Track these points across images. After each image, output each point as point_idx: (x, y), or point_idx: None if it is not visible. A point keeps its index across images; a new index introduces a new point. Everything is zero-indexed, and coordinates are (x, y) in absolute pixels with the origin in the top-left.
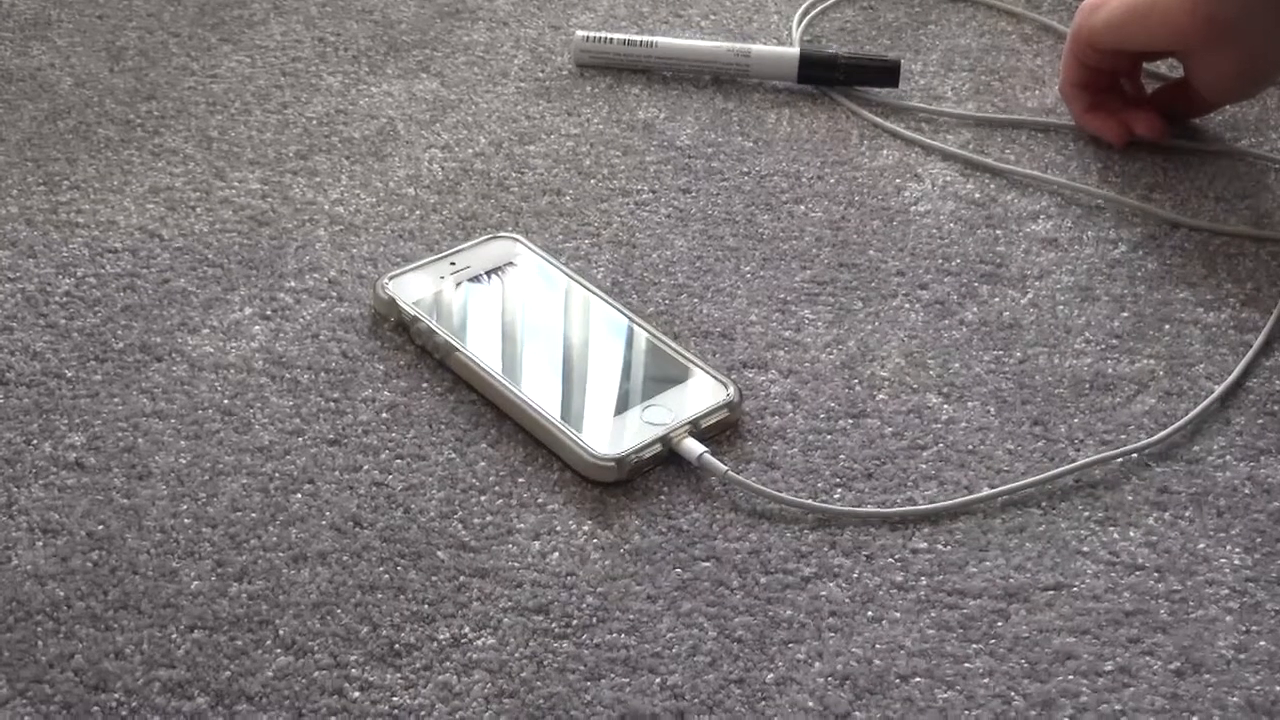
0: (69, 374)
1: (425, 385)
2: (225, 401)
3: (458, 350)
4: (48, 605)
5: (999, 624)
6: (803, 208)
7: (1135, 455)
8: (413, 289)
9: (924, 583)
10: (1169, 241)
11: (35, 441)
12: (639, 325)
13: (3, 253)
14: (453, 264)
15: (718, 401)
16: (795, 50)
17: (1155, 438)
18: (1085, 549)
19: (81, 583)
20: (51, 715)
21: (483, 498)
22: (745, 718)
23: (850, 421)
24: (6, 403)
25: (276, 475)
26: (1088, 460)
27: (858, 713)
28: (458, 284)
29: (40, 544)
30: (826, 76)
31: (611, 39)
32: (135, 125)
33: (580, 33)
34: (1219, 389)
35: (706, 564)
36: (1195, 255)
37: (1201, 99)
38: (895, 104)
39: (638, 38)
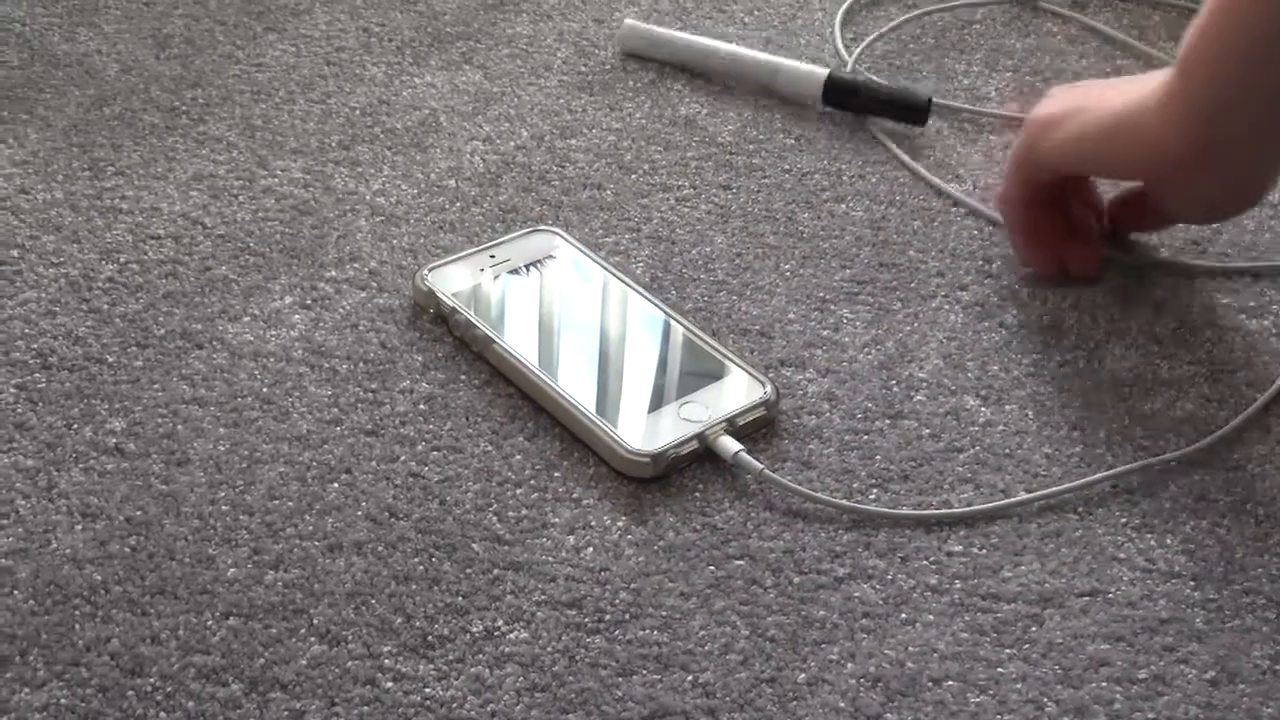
0: (110, 359)
1: (463, 377)
2: (264, 390)
3: (496, 343)
4: (85, 589)
5: (1033, 629)
6: (843, 206)
7: (1173, 462)
8: (452, 281)
9: (958, 586)
10: (1212, 247)
11: (76, 426)
12: (677, 321)
13: (47, 238)
14: (492, 256)
15: (754, 400)
16: (822, 72)
17: (1195, 445)
18: (1121, 555)
19: (119, 567)
20: (88, 698)
21: (518, 491)
22: (777, 717)
23: (887, 422)
24: (48, 387)
25: (314, 464)
26: (1127, 467)
27: (889, 715)
28: (497, 276)
29: (79, 528)
30: (851, 103)
31: (655, 32)
32: (180, 112)
33: (629, 21)
34: (1262, 398)
35: (740, 562)
36: (1238, 261)
37: (1167, 217)
38: (938, 104)
39: (681, 36)
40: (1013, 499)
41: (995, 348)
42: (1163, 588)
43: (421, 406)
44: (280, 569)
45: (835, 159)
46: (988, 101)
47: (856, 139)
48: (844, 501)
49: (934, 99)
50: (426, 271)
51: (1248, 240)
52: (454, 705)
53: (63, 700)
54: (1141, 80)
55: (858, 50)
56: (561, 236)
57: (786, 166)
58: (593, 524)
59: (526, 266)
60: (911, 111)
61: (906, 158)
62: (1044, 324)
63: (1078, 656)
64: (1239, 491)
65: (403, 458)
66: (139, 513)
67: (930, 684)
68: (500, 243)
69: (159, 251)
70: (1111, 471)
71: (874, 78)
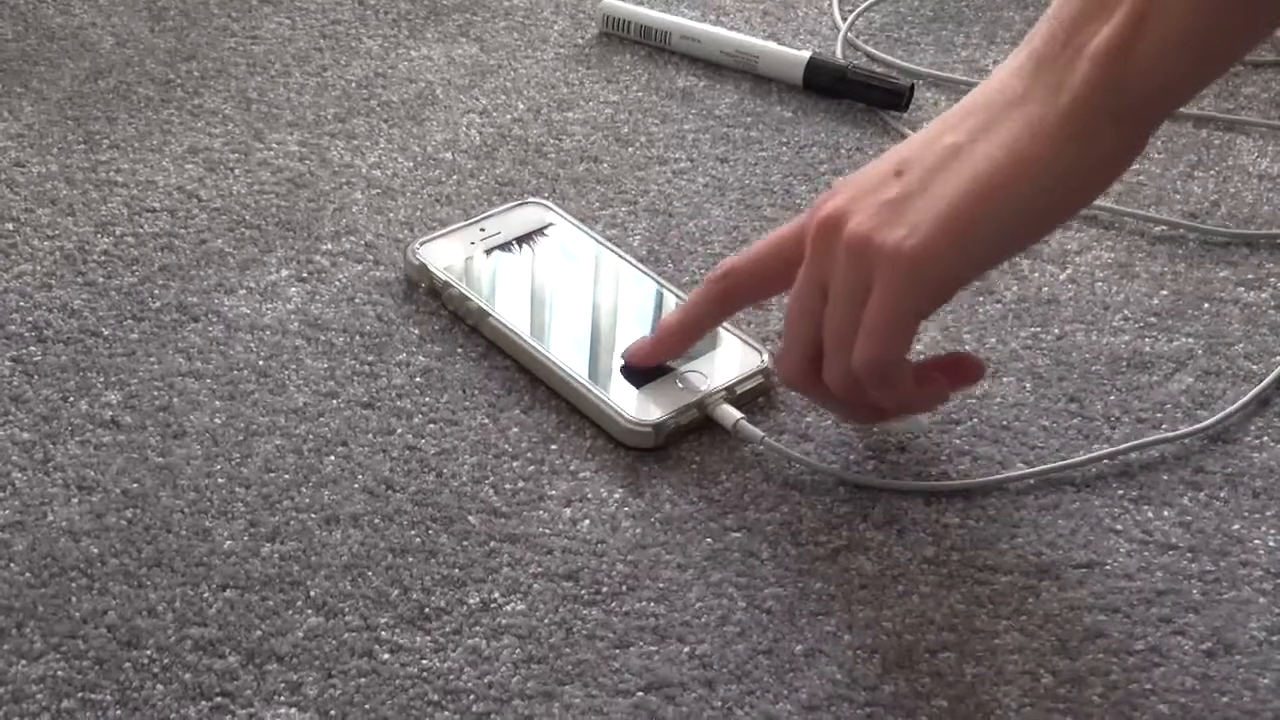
0: (106, 332)
1: (459, 350)
2: (260, 362)
3: (490, 316)
4: (82, 561)
5: (1030, 600)
6: (841, 178)
7: (1179, 439)
8: (443, 255)
9: (955, 558)
10: (1210, 220)
11: (72, 399)
12: (669, 290)
13: (42, 210)
14: (482, 229)
15: (752, 368)
16: (804, 55)
17: (1204, 424)
18: (1118, 527)
19: (115, 540)
20: (84, 670)
21: (515, 463)
22: (773, 688)
23: None
24: (44, 359)
25: (310, 437)
26: (1129, 444)
27: (886, 686)
28: (488, 250)
29: (75, 500)
30: (832, 87)
31: (630, 23)
32: (175, 85)
33: (608, 0)
34: (1272, 375)
35: (737, 534)
36: (1237, 234)
37: None
38: (937, 76)
39: (654, 25)
40: (1010, 473)
41: (992, 320)
42: (1159, 560)
43: (418, 379)
44: (277, 541)
45: (833, 131)
46: (986, 74)
47: (854, 111)
48: (843, 471)
49: (932, 71)
50: (417, 245)
51: (1246, 212)
52: (451, 677)
53: (60, 672)
54: (996, 113)
55: (851, 18)
56: (551, 208)
57: (784, 139)
58: (590, 496)
59: (518, 239)
60: (892, 98)
61: (905, 130)
62: (1041, 297)
63: (1074, 628)
64: (1236, 464)
65: (399, 430)
66: (135, 485)
67: (927, 655)
68: (490, 215)
69: (154, 225)
70: (1111, 449)
71: (856, 64)
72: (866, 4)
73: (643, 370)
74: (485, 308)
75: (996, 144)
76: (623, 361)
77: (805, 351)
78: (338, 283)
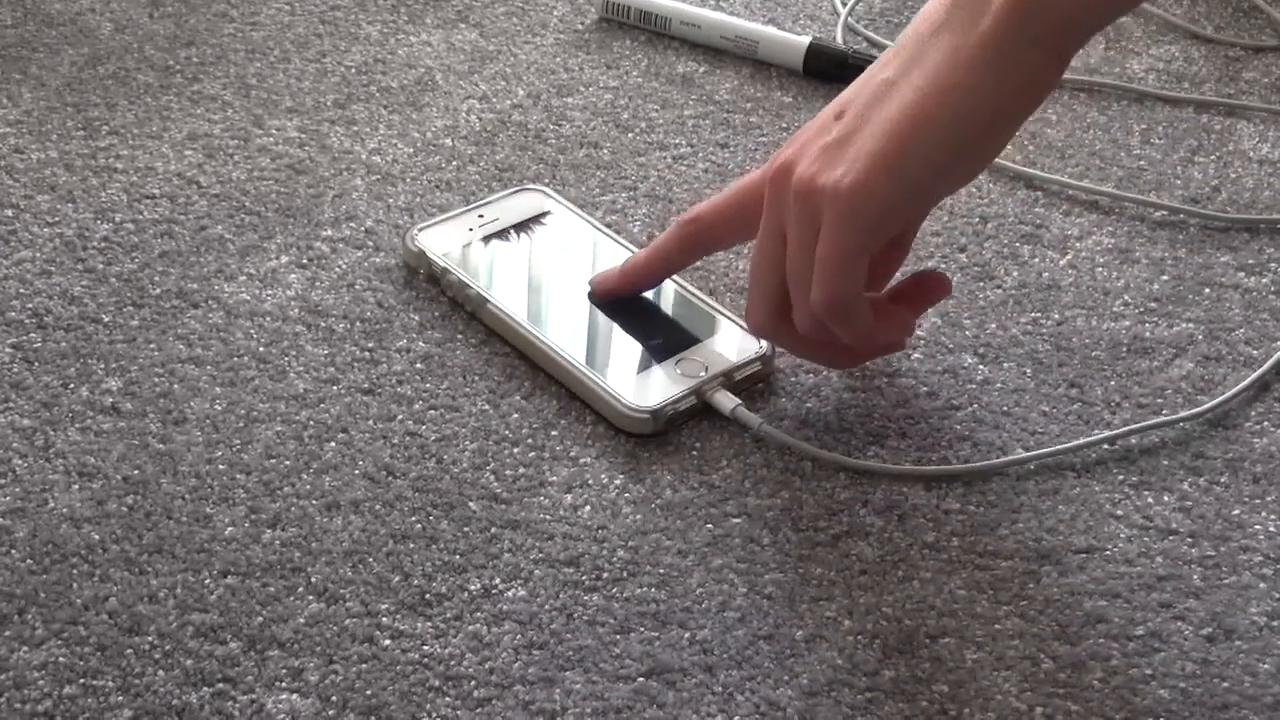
0: (106, 319)
1: (459, 336)
2: (261, 349)
3: (489, 302)
4: (83, 548)
5: (1030, 586)
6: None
7: (1178, 424)
8: (443, 241)
9: (955, 543)
10: (1211, 205)
11: (72, 385)
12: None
13: (42, 197)
14: (481, 216)
15: (750, 354)
16: (804, 40)
17: (1204, 408)
18: (1119, 513)
19: (117, 526)
20: (86, 657)
21: (515, 450)
22: (774, 674)
23: (885, 380)
24: (44, 346)
25: (311, 423)
26: (1130, 429)
27: (886, 671)
28: (487, 236)
29: (76, 487)
30: (833, 73)
31: (629, 8)
32: (174, 71)
33: None
34: (1272, 360)
35: (738, 520)
36: (1237, 219)
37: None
38: None
39: (654, 10)
40: (1010, 457)
41: (992, 306)
42: (1160, 545)
43: (418, 365)
44: (278, 528)
45: None
46: None
47: None
48: (842, 457)
49: None
50: (416, 232)
51: (1246, 197)
52: (452, 663)
53: (61, 659)
54: (922, 44)
55: (851, 3)
56: (549, 194)
57: (784, 125)
58: (590, 482)
59: (516, 226)
60: None
61: None
62: (1042, 282)
63: (1074, 613)
64: (1236, 449)
65: (400, 417)
66: (136, 472)
67: (927, 640)
68: (488, 202)
69: (154, 211)
70: (1111, 434)
71: (857, 49)
72: None
73: (656, 349)
74: (484, 294)
75: (922, 75)
76: (589, 289)
77: (771, 297)
78: (338, 269)
